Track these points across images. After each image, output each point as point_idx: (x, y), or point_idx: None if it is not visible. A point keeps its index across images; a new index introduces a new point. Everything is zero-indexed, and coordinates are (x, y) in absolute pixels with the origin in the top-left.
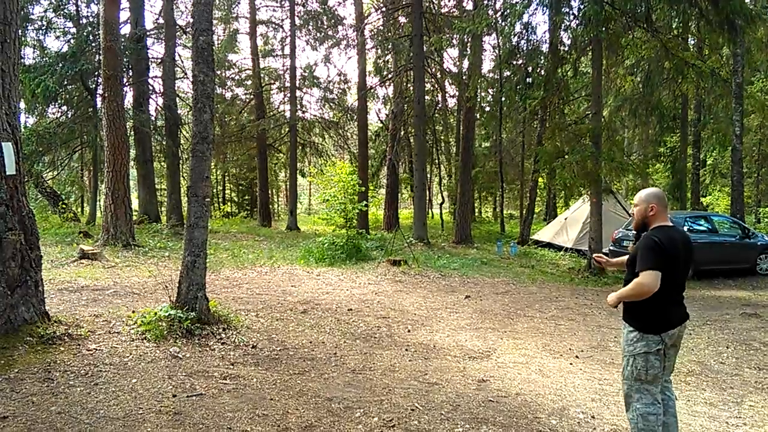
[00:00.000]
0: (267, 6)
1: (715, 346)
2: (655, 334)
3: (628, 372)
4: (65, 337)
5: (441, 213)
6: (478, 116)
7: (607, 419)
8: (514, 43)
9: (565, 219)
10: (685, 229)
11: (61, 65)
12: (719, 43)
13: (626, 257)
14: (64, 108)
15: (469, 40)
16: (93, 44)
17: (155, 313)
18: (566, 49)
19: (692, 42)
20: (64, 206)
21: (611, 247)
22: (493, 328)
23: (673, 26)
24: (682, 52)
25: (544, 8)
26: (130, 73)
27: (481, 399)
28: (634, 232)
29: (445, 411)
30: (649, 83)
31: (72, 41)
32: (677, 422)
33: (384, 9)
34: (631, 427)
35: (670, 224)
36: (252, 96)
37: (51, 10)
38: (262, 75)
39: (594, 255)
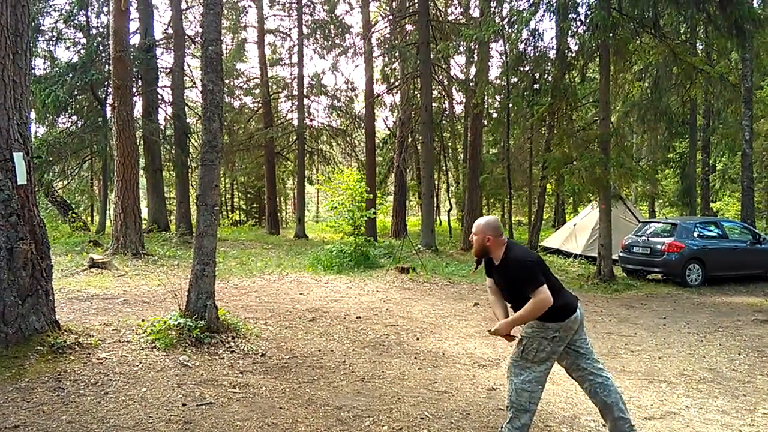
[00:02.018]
0: (275, 15)
1: (726, 353)
2: (555, 322)
3: (518, 349)
4: (75, 346)
5: (449, 220)
6: (485, 123)
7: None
8: (521, 50)
9: (574, 225)
10: (695, 235)
11: (71, 75)
12: (728, 48)
13: (500, 311)
14: (74, 118)
15: (476, 47)
16: (103, 54)
17: (165, 322)
18: (573, 55)
19: (700, 47)
20: (74, 215)
21: (621, 254)
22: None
23: (681, 31)
24: (691, 58)
25: (551, 15)
26: (140, 83)
27: (491, 407)
28: (476, 258)
29: (455, 419)
30: (657, 89)
31: (82, 51)
32: (622, 398)
33: (391, 17)
34: (507, 398)
35: (507, 244)
36: (260, 105)
37: (61, 21)
38: (270, 84)
39: (491, 332)
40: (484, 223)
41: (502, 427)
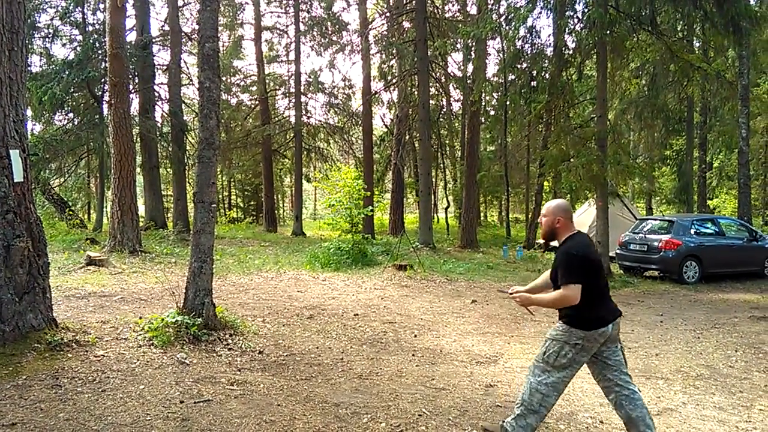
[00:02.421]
0: (272, 12)
1: (723, 350)
2: (582, 330)
3: (541, 351)
4: (73, 344)
5: (446, 217)
6: (483, 120)
7: (616, 424)
8: (518, 47)
9: None
10: (692, 232)
11: (67, 73)
12: (724, 45)
13: (536, 284)
14: (71, 115)
15: (474, 44)
16: (99, 51)
17: (162, 319)
18: (571, 52)
19: (697, 44)
20: (71, 213)
21: (618, 251)
22: (499, 333)
23: (678, 29)
24: (688, 55)
25: (549, 12)
26: (136, 80)
27: (489, 404)
28: (543, 240)
29: (453, 416)
30: (654, 86)
31: (78, 49)
32: (649, 413)
33: (388, 14)
34: (520, 395)
35: (576, 231)
36: (257, 102)
37: (57, 18)
38: (267, 81)
39: (511, 291)
40: (554, 205)
41: (503, 421)
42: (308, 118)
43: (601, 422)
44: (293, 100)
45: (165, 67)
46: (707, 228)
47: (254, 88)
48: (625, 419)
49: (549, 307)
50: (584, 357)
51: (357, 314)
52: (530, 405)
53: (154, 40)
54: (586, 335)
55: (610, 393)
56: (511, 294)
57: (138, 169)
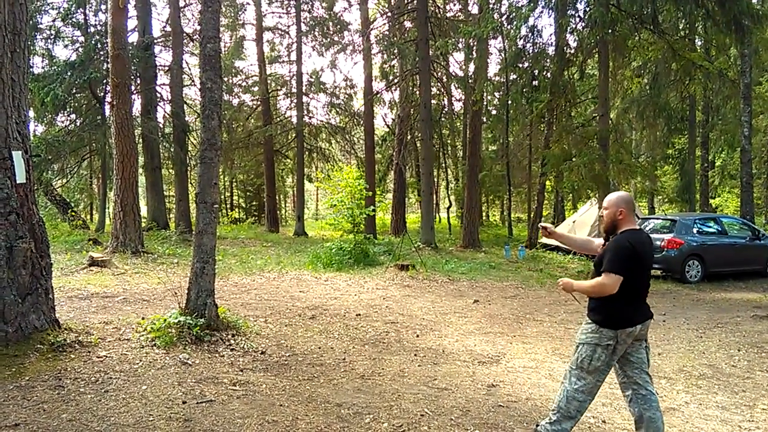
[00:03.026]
0: (273, 13)
1: (726, 349)
2: (611, 329)
3: (574, 357)
4: (75, 345)
5: (448, 217)
6: (484, 120)
7: (618, 423)
8: (520, 47)
9: (574, 222)
10: (695, 231)
11: (69, 74)
12: (726, 44)
13: (569, 235)
14: (73, 116)
15: (475, 43)
16: (101, 52)
17: (165, 320)
18: (572, 51)
19: (699, 43)
20: (73, 214)
21: None
22: (502, 333)
23: (680, 27)
24: (689, 54)
25: (550, 11)
26: (138, 81)
27: (491, 404)
28: (604, 235)
29: (455, 416)
30: (656, 85)
31: (80, 50)
32: (662, 416)
33: (389, 14)
34: (556, 400)
35: (638, 227)
36: (259, 102)
37: (59, 19)
38: (268, 81)
39: (540, 224)
40: (617, 197)
41: (539, 425)
42: (310, 118)
43: (604, 422)
44: (295, 101)
45: (167, 68)
46: (710, 227)
47: (256, 89)
48: (636, 416)
49: (587, 293)
50: (615, 358)
51: (359, 314)
52: (567, 412)
53: (155, 41)
54: (616, 334)
55: (627, 389)
56: (541, 226)
57: (140, 170)
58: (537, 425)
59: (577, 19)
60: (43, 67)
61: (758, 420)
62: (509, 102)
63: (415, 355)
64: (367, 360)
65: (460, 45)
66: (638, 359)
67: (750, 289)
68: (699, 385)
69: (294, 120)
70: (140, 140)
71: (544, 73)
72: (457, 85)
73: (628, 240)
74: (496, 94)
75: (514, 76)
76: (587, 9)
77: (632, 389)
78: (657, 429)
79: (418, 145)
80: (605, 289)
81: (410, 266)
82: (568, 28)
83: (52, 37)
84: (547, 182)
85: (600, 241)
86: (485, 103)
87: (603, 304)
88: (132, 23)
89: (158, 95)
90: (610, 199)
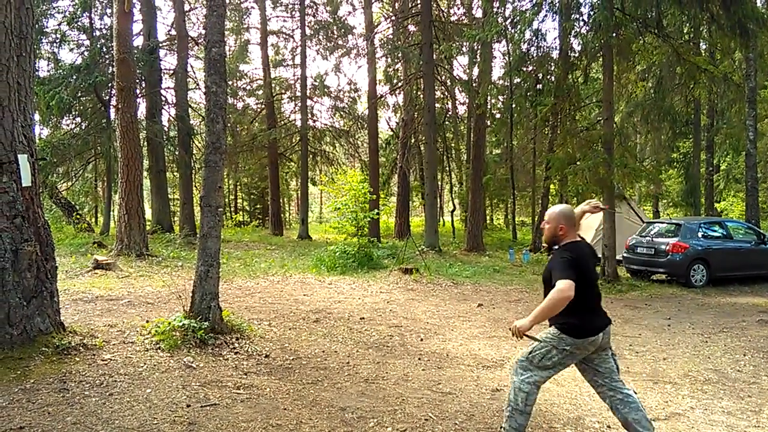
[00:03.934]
0: (278, 16)
1: (732, 354)
2: (573, 338)
3: (527, 350)
4: (80, 348)
5: (452, 220)
6: (488, 123)
7: (623, 429)
8: (524, 50)
9: None
10: (700, 235)
11: (75, 77)
12: (731, 48)
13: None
14: (78, 119)
15: (479, 47)
16: (106, 56)
17: (169, 323)
18: (576, 55)
19: (704, 47)
20: (78, 217)
21: (625, 254)
22: (506, 337)
23: (685, 31)
24: (694, 57)
25: (554, 15)
26: (143, 85)
27: (495, 408)
28: (545, 246)
29: (460, 421)
30: (660, 88)
31: (86, 53)
32: (645, 414)
33: (394, 18)
34: (508, 395)
35: (579, 239)
36: (263, 106)
37: (65, 23)
38: (273, 85)
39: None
40: (558, 212)
41: (501, 427)
42: (314, 121)
43: (608, 427)
44: (299, 104)
45: (172, 72)
46: (715, 231)
47: (260, 92)
48: (622, 421)
49: (550, 311)
50: (570, 361)
51: (363, 318)
52: (516, 405)
53: (161, 45)
54: (576, 343)
55: (604, 398)
56: (512, 330)
57: (145, 173)
58: (501, 428)
59: (582, 23)
60: (48, 71)
61: (764, 425)
62: (513, 105)
63: (419, 359)
64: (371, 364)
65: (464, 49)
66: (606, 369)
67: (756, 294)
68: (704, 390)
69: (298, 123)
70: (145, 143)
71: (549, 77)
72: (461, 89)
73: (569, 252)
74: (500, 97)
75: (518, 80)
76: (591, 13)
77: (609, 396)
78: (645, 427)
79: (422, 148)
80: (563, 296)
81: (414, 270)
82: (573, 31)
83: (57, 40)
84: (552, 186)
85: None
86: (489, 106)
87: (563, 315)
88: (137, 27)
89: (163, 99)
90: (550, 214)
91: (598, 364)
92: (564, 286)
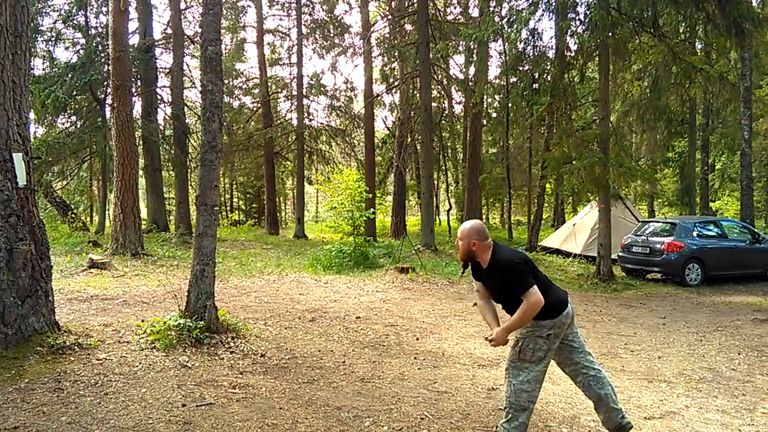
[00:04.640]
0: (274, 15)
1: (726, 353)
2: (550, 319)
3: (514, 351)
4: (75, 347)
5: (448, 220)
6: (484, 122)
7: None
8: (520, 50)
9: (574, 225)
10: (695, 234)
11: (70, 76)
12: (727, 47)
13: (492, 315)
14: (74, 118)
15: (476, 46)
16: (102, 54)
17: (164, 323)
18: (573, 54)
19: (699, 46)
20: (73, 216)
21: (620, 253)
22: None
23: (680, 31)
24: (690, 57)
25: (551, 14)
26: (139, 83)
27: (491, 407)
28: (462, 263)
29: (455, 420)
30: (656, 88)
31: (81, 52)
32: (613, 389)
33: (390, 17)
34: (505, 399)
35: (494, 243)
36: (259, 104)
37: (60, 21)
38: (269, 83)
39: (487, 338)
40: (468, 228)
41: (497, 427)
42: (310, 120)
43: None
44: (295, 103)
45: (167, 70)
46: (710, 230)
47: (256, 91)
48: (594, 399)
49: (527, 319)
50: (556, 343)
51: (359, 317)
52: (519, 405)
53: (156, 43)
54: (555, 322)
55: (577, 375)
56: (490, 341)
57: (140, 172)
58: (495, 427)
59: (578, 23)
60: (43, 69)
61: (759, 424)
62: (509, 105)
63: (415, 358)
64: (367, 363)
65: (460, 48)
66: (579, 343)
67: (750, 293)
68: (699, 388)
69: (294, 122)
70: (141, 142)
71: (545, 76)
72: (457, 88)
73: (508, 259)
74: (497, 96)
75: (515, 79)
76: (588, 12)
77: (582, 374)
78: (613, 400)
79: (419, 147)
80: (537, 305)
81: (410, 269)
82: (569, 31)
83: (53, 39)
84: (547, 185)
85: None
86: (485, 105)
87: None
88: (133, 25)
89: (159, 97)
90: (463, 230)
91: (572, 340)
92: (535, 297)
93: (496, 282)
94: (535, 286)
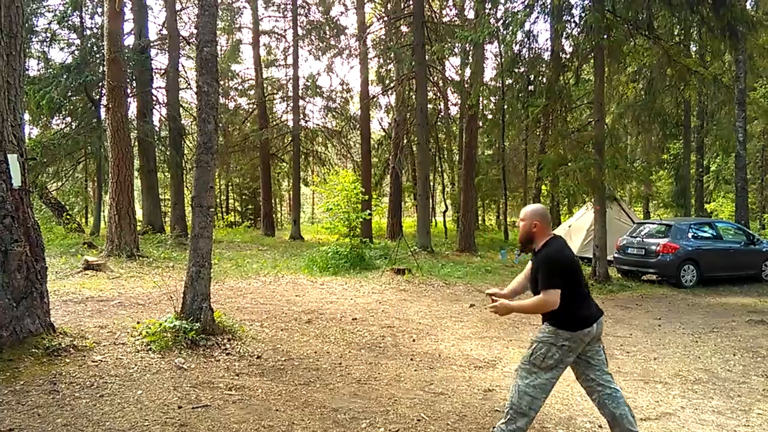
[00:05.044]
0: (270, 17)
1: (721, 354)
2: (569, 331)
3: (527, 354)
4: (70, 349)
5: (444, 221)
6: (480, 124)
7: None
8: (515, 52)
9: (569, 226)
10: (690, 236)
11: (65, 77)
12: (721, 50)
13: (513, 287)
14: (69, 119)
15: (471, 48)
16: (97, 55)
17: (160, 324)
18: (568, 56)
19: (694, 49)
20: (68, 217)
21: (616, 255)
22: (498, 337)
23: (675, 33)
24: (684, 59)
25: (546, 16)
26: (134, 84)
27: (487, 408)
28: (519, 245)
29: (452, 421)
30: (651, 90)
31: (76, 53)
32: (630, 410)
33: (386, 18)
34: (509, 398)
35: (554, 235)
36: (255, 106)
37: (55, 22)
38: (265, 85)
39: (488, 292)
40: (532, 210)
41: (495, 427)
42: (306, 122)
43: (600, 427)
44: (291, 104)
45: (163, 71)
46: (705, 232)
47: (252, 92)
48: (609, 418)
49: (530, 312)
50: (570, 357)
51: (355, 318)
52: (519, 408)
53: (152, 44)
54: (572, 336)
55: (592, 393)
56: (488, 294)
57: (136, 173)
58: (493, 427)
59: (573, 25)
60: (38, 70)
61: (754, 425)
62: (505, 106)
63: (412, 359)
64: (363, 364)
65: (456, 50)
66: (598, 361)
67: (745, 294)
68: (695, 389)
69: (290, 124)
70: (136, 143)
71: (540, 78)
72: (453, 90)
73: (553, 254)
74: (492, 98)
75: (510, 81)
76: (583, 15)
77: (597, 392)
78: (630, 422)
79: (415, 149)
80: (548, 306)
81: (406, 270)
82: (564, 33)
83: (48, 40)
84: (543, 187)
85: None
86: (481, 107)
87: (557, 312)
88: (128, 26)
89: (154, 98)
90: (526, 212)
91: (591, 357)
92: (549, 298)
93: (534, 269)
94: (557, 290)
